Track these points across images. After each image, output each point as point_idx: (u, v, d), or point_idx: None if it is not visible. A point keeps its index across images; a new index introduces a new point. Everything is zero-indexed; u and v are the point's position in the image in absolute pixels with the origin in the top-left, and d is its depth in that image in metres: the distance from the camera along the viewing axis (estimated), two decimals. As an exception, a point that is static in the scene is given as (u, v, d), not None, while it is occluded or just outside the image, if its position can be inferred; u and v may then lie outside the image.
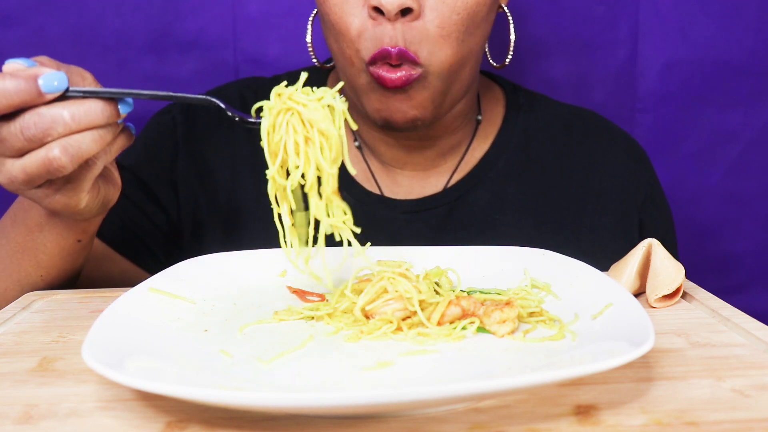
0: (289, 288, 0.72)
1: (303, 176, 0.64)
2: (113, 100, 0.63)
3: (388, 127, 0.85)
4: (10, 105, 0.60)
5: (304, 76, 0.65)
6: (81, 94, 0.62)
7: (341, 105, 0.64)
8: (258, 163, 0.89)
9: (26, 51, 1.13)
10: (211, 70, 1.18)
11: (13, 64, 0.63)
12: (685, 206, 1.24)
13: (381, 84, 0.80)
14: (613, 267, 0.73)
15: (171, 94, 0.65)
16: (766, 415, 0.47)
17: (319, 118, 0.63)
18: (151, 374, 0.49)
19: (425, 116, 0.84)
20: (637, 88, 1.22)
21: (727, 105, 1.23)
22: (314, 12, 0.93)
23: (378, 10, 0.77)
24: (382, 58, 0.79)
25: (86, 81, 0.65)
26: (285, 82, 0.65)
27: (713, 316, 0.65)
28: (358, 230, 0.66)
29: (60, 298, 0.75)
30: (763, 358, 0.55)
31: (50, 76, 0.61)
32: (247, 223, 0.95)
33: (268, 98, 1.02)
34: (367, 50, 0.79)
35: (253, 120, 0.66)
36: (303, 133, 0.63)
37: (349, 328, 0.62)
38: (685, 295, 0.70)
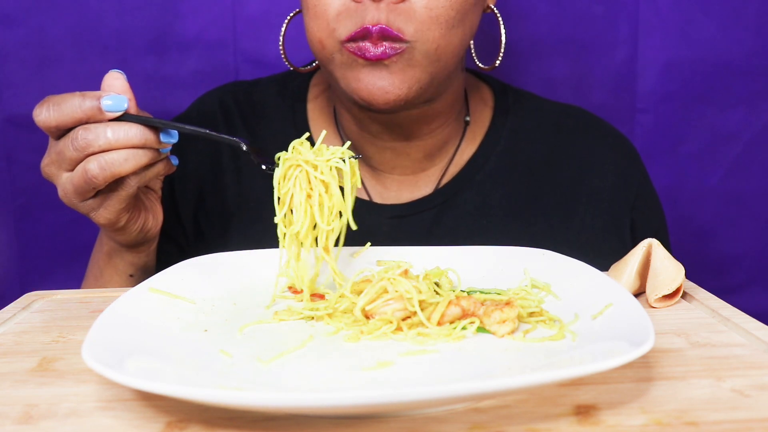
0: (290, 288, 0.72)
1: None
2: (156, 128, 0.70)
3: (370, 109, 0.81)
4: (75, 119, 0.69)
5: (323, 134, 0.71)
6: (133, 119, 0.70)
7: (348, 166, 0.69)
8: (240, 166, 0.94)
9: (26, 51, 1.14)
10: (211, 70, 1.18)
11: (114, 73, 0.73)
12: (685, 206, 1.24)
13: (361, 57, 0.76)
14: (613, 267, 0.73)
15: (208, 132, 0.72)
16: (766, 415, 0.47)
17: (324, 179, 0.68)
18: (151, 374, 0.49)
19: (408, 96, 0.79)
20: (637, 88, 1.22)
21: (727, 105, 1.23)
22: (290, 16, 0.91)
23: None
24: (362, 37, 0.76)
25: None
26: (307, 134, 0.71)
27: (713, 316, 0.65)
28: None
29: (60, 298, 0.75)
30: (763, 358, 0.55)
31: (112, 97, 0.69)
32: (248, 225, 0.94)
33: (248, 105, 1.06)
34: (346, 29, 0.77)
35: (270, 167, 0.71)
36: (306, 190, 0.69)
37: (349, 328, 0.62)
38: (685, 295, 0.70)
